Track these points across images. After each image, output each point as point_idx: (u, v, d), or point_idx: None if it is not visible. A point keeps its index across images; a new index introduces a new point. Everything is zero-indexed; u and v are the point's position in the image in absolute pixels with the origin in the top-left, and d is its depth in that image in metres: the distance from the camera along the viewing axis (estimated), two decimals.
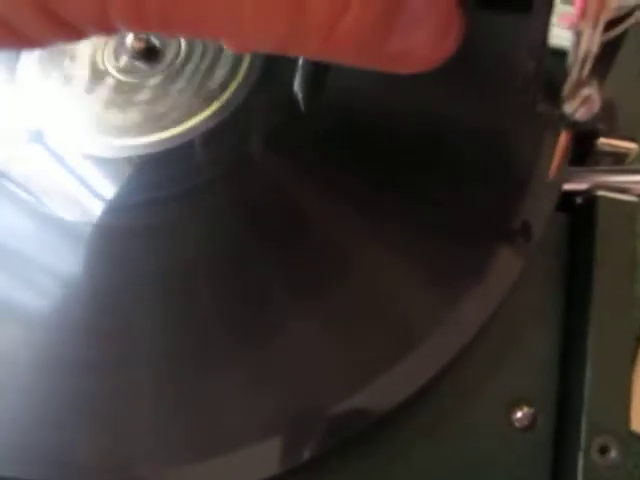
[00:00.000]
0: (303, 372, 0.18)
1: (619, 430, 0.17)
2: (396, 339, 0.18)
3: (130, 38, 0.23)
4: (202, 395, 0.17)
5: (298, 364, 0.18)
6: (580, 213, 0.21)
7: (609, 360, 0.18)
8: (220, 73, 0.23)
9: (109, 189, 0.22)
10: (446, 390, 0.19)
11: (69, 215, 0.21)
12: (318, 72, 0.19)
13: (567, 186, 0.21)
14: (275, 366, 0.18)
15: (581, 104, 0.13)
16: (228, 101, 0.22)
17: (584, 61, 0.12)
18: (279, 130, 0.21)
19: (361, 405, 0.18)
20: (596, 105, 0.13)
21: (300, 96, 0.19)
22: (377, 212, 0.20)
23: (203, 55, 0.23)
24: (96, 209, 0.21)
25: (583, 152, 0.22)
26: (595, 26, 0.11)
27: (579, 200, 0.22)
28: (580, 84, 0.12)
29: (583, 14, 0.11)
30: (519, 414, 0.19)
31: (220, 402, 0.18)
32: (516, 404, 0.19)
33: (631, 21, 0.12)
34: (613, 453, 0.17)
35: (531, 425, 0.19)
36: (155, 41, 0.23)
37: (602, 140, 0.21)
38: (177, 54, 0.23)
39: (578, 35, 0.12)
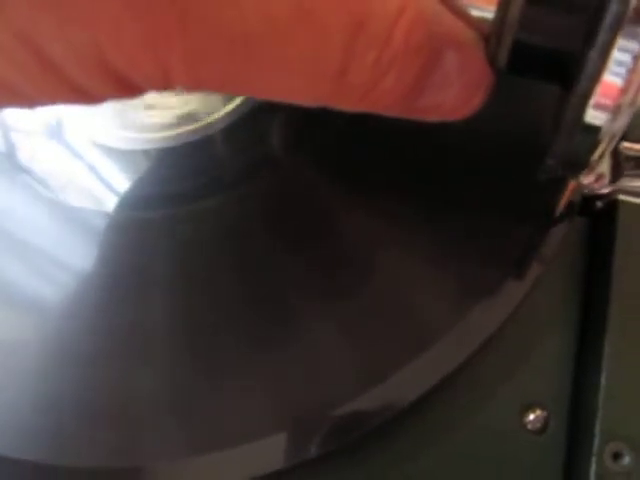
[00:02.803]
0: (316, 371, 0.18)
1: (633, 436, 0.17)
2: (411, 340, 0.18)
3: None
4: (217, 390, 0.17)
5: (312, 363, 0.18)
6: (600, 217, 0.21)
7: (625, 365, 0.18)
8: None
9: (126, 181, 0.22)
10: (459, 391, 0.19)
11: (86, 206, 0.21)
12: None
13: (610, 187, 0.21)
14: (290, 365, 0.18)
15: (595, 180, 0.13)
16: (248, 98, 0.22)
17: (611, 139, 0.12)
18: (299, 128, 0.21)
19: (373, 404, 0.17)
20: (606, 180, 0.14)
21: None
22: (396, 217, 0.20)
23: None
24: (113, 201, 0.21)
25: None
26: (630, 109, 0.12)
27: (599, 204, 0.21)
28: (599, 160, 0.13)
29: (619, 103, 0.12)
30: (532, 417, 0.19)
31: (231, 399, 0.18)
32: (529, 407, 0.19)
33: None
34: (626, 459, 0.17)
35: (543, 428, 0.19)
36: None
37: (624, 144, 0.21)
38: None
39: (613, 114, 0.12)
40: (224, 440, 0.16)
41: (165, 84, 0.11)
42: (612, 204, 0.20)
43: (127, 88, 0.11)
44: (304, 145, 0.21)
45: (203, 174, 0.21)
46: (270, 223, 0.20)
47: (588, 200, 0.21)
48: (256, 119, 0.22)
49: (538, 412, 0.19)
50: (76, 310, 0.19)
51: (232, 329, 0.18)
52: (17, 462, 0.17)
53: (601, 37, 0.12)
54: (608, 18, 0.12)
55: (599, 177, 0.14)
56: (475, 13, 0.15)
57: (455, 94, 0.13)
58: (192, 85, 0.11)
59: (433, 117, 0.13)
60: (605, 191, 0.21)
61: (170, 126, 0.22)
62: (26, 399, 0.18)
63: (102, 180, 0.22)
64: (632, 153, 0.21)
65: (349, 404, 0.17)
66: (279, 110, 0.22)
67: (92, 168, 0.22)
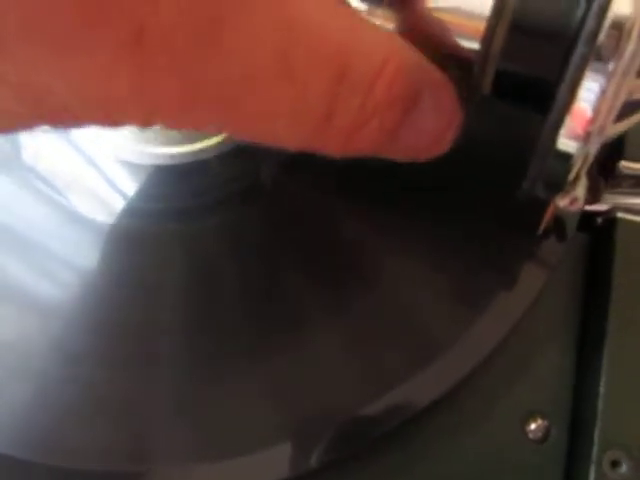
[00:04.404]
0: (321, 381, 0.19)
1: (630, 445, 0.18)
2: (415, 352, 0.19)
3: None
4: (221, 396, 0.19)
5: (316, 374, 0.19)
6: (600, 234, 0.22)
7: (622, 377, 0.19)
8: None
9: (136, 193, 0.23)
10: (463, 401, 0.20)
11: (93, 213, 0.23)
12: None
13: (588, 207, 0.21)
14: (295, 374, 0.19)
15: (570, 202, 0.14)
16: None
17: (583, 164, 0.13)
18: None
19: (377, 414, 0.18)
20: (580, 204, 0.14)
21: None
22: (401, 230, 0.21)
23: None
24: (122, 211, 0.23)
25: (605, 174, 0.22)
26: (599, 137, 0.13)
27: (599, 220, 0.22)
28: (574, 183, 0.14)
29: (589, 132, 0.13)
30: (533, 426, 0.19)
31: (235, 406, 0.19)
32: (531, 416, 0.19)
33: (633, 120, 0.13)
34: (624, 468, 0.18)
35: (545, 437, 0.19)
36: None
37: (623, 163, 0.22)
38: None
39: (584, 142, 0.13)
40: (228, 449, 0.18)
41: (147, 124, 0.12)
42: (611, 221, 0.21)
43: (110, 123, 0.12)
44: (305, 160, 0.22)
45: (207, 192, 0.23)
46: (279, 240, 0.21)
47: (588, 216, 0.22)
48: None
49: (539, 421, 0.19)
50: (79, 313, 0.20)
51: (236, 340, 0.19)
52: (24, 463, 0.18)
53: (569, 74, 0.13)
54: (575, 58, 0.13)
55: (573, 200, 0.15)
56: (461, 42, 0.16)
57: (430, 134, 0.13)
58: (174, 127, 0.12)
59: (407, 157, 0.14)
60: (604, 208, 0.22)
61: (181, 142, 0.24)
62: (33, 401, 0.19)
63: (108, 187, 0.23)
64: (630, 171, 0.22)
65: (352, 415, 0.18)
66: None
67: (100, 172, 0.24)
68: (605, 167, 0.22)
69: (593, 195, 0.19)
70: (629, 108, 0.15)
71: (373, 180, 0.21)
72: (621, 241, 0.20)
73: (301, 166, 0.22)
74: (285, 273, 0.20)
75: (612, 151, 0.22)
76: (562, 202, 0.16)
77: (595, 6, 0.13)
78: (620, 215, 0.21)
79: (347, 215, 0.22)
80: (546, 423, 0.19)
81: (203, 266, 0.21)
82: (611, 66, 0.13)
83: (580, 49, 0.13)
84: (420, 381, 0.19)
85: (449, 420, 0.19)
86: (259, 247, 0.21)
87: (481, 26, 0.15)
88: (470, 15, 0.16)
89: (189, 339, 0.20)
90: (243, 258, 0.21)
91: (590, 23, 0.13)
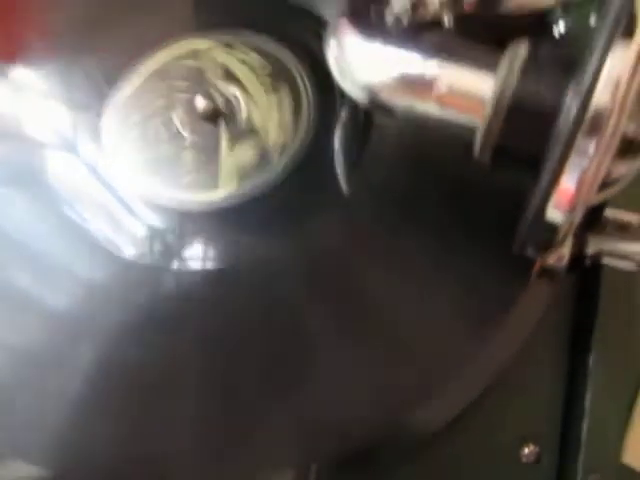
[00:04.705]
0: (335, 407, 0.21)
1: (609, 470, 0.20)
2: (423, 381, 0.21)
3: (200, 101, 0.27)
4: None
5: (330, 400, 0.21)
6: (587, 274, 0.24)
7: (604, 412, 0.21)
8: (274, 136, 0.27)
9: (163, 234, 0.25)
10: (462, 428, 0.22)
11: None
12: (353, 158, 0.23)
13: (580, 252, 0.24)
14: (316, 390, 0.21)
15: (557, 260, 0.17)
16: (285, 166, 0.25)
17: (569, 229, 0.15)
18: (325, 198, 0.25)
19: (386, 437, 0.21)
20: (566, 260, 0.17)
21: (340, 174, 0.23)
22: (414, 264, 0.24)
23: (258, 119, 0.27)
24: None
25: (592, 219, 0.24)
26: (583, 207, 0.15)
27: (588, 262, 0.24)
28: (560, 244, 0.16)
29: (573, 201, 0.15)
30: (526, 451, 0.22)
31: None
32: (524, 442, 0.22)
33: (612, 190, 0.15)
34: None
35: (537, 460, 0.22)
36: (220, 104, 0.27)
37: (609, 211, 0.24)
38: (236, 119, 0.27)
39: (569, 213, 0.15)
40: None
41: None
42: (597, 265, 0.23)
43: None
44: (328, 215, 0.25)
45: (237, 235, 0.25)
46: (299, 280, 0.24)
47: (579, 259, 0.24)
48: (288, 187, 0.25)
49: (532, 447, 0.22)
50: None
51: (258, 370, 0.22)
52: None
53: (549, 165, 0.15)
54: (561, 140, 0.15)
55: (560, 258, 0.18)
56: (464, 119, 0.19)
57: None
58: None
59: None
60: (591, 251, 0.24)
61: (206, 190, 0.26)
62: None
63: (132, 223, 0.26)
64: (616, 219, 0.24)
65: (363, 439, 0.20)
66: (307, 186, 0.25)
67: (127, 207, 0.26)
68: (591, 213, 0.24)
69: (578, 249, 0.22)
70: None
71: (392, 234, 0.24)
72: (605, 285, 0.23)
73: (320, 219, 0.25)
74: (308, 313, 0.23)
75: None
76: (550, 259, 0.18)
77: (579, 99, 0.15)
78: (606, 261, 0.23)
79: (361, 259, 0.24)
80: (537, 449, 0.22)
81: (232, 304, 0.23)
82: (592, 148, 0.15)
83: (565, 134, 0.15)
84: (424, 413, 0.21)
85: (449, 445, 0.21)
86: (287, 291, 0.23)
87: (480, 105, 0.18)
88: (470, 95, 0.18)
89: (210, 371, 0.22)
90: (273, 299, 0.23)
91: (575, 112, 0.15)
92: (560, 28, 0.27)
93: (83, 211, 0.27)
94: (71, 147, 0.28)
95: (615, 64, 0.14)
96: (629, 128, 0.15)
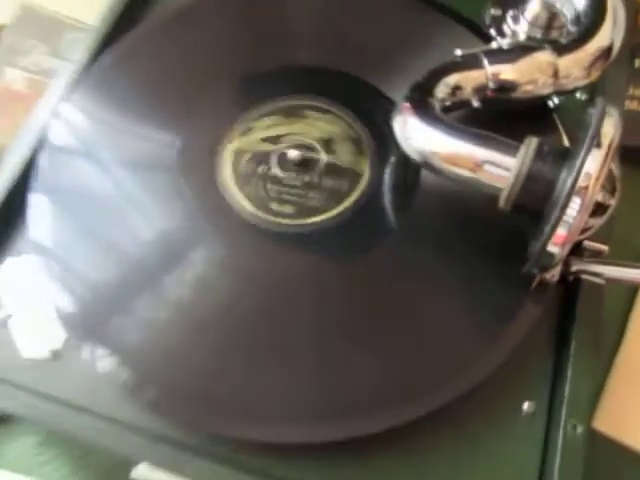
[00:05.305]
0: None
1: (584, 416, 0.30)
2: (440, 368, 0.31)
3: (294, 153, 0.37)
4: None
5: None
6: (571, 286, 0.34)
7: (582, 380, 0.31)
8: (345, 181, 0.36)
9: None
10: (480, 392, 0.31)
11: None
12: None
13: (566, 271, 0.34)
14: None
15: (551, 277, 0.26)
16: (355, 202, 0.35)
17: (561, 257, 0.25)
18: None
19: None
20: (557, 277, 0.26)
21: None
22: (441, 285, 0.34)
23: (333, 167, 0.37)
24: None
25: (575, 248, 0.34)
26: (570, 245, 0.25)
27: (571, 278, 0.34)
28: (554, 266, 0.26)
29: (565, 241, 0.25)
30: (526, 406, 0.31)
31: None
32: (524, 399, 0.31)
33: (588, 234, 0.25)
34: (579, 429, 0.30)
35: (533, 413, 0.31)
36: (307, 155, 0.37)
37: (586, 242, 0.34)
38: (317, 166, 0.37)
39: (562, 247, 0.25)
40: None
41: None
42: (578, 279, 0.33)
43: None
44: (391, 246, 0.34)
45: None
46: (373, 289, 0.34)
47: (564, 276, 0.34)
48: (357, 221, 0.35)
49: (529, 403, 0.31)
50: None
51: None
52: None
53: (551, 219, 0.25)
54: (559, 205, 0.25)
55: (553, 275, 0.27)
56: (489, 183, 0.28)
57: None
58: None
59: None
60: (574, 270, 0.34)
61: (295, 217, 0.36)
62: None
63: None
64: (591, 248, 0.34)
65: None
66: (372, 220, 0.35)
67: None
68: (575, 245, 0.34)
69: (565, 269, 0.32)
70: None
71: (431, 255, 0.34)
72: (584, 297, 0.33)
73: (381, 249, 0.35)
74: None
75: None
76: (547, 276, 0.28)
77: (570, 180, 0.25)
78: (584, 277, 0.33)
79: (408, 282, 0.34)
80: (534, 404, 0.31)
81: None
82: (576, 210, 0.25)
83: (561, 200, 0.25)
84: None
85: (464, 404, 0.31)
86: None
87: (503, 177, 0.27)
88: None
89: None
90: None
91: (568, 188, 0.25)
92: (554, 102, 0.38)
93: None
94: None
95: (591, 162, 0.24)
96: (598, 197, 0.25)
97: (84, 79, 0.41)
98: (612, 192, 0.26)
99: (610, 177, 0.26)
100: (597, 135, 0.25)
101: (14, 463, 0.42)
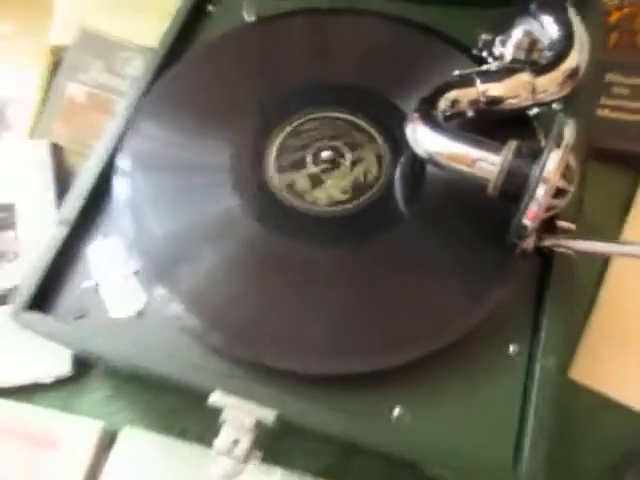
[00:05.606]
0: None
1: (557, 353, 0.39)
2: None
3: (325, 153, 0.46)
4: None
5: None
6: (546, 258, 0.43)
7: (556, 329, 0.40)
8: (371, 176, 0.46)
9: None
10: (473, 335, 0.40)
11: None
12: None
13: (539, 244, 0.43)
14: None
15: (527, 244, 0.36)
16: (375, 192, 0.45)
17: (532, 229, 0.34)
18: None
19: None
20: (532, 245, 0.35)
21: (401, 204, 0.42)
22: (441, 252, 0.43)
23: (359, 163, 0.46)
24: None
25: (548, 226, 0.43)
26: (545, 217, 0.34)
27: (546, 250, 0.43)
28: (528, 237, 0.35)
29: (535, 216, 0.34)
30: (512, 348, 0.41)
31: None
32: (509, 342, 0.41)
33: (552, 213, 0.34)
34: (552, 361, 0.39)
35: (518, 354, 0.40)
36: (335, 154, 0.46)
37: (558, 222, 0.43)
38: (343, 164, 0.46)
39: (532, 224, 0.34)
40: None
41: None
42: (552, 252, 0.42)
43: None
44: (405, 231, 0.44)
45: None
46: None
47: (540, 248, 0.43)
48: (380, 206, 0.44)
49: (515, 346, 0.40)
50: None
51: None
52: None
53: (525, 200, 0.34)
54: (530, 191, 0.34)
55: (528, 244, 0.36)
56: (481, 175, 0.38)
57: None
58: None
59: None
60: (548, 244, 0.43)
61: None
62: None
63: None
64: (562, 226, 0.43)
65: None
66: (388, 209, 0.44)
67: None
68: (548, 223, 0.43)
69: (539, 239, 0.40)
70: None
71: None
72: (557, 265, 0.42)
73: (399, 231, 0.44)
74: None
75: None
76: (525, 245, 0.37)
77: (538, 172, 0.34)
78: (556, 250, 0.42)
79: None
80: (518, 346, 0.40)
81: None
82: (542, 194, 0.34)
83: (532, 187, 0.35)
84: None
85: (456, 347, 0.40)
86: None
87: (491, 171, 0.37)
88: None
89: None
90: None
91: (536, 178, 0.34)
92: (534, 111, 0.47)
93: None
94: None
95: (552, 159, 0.34)
96: (559, 184, 0.34)
97: (151, 94, 0.50)
98: (571, 180, 0.35)
99: (569, 169, 0.35)
100: (557, 139, 0.34)
101: (88, 413, 0.52)
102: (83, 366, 0.54)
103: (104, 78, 0.65)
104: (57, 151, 0.61)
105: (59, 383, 0.53)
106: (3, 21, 0.72)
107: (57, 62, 0.67)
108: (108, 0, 0.69)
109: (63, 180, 0.60)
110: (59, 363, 0.53)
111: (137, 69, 0.64)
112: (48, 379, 0.53)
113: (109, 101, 0.64)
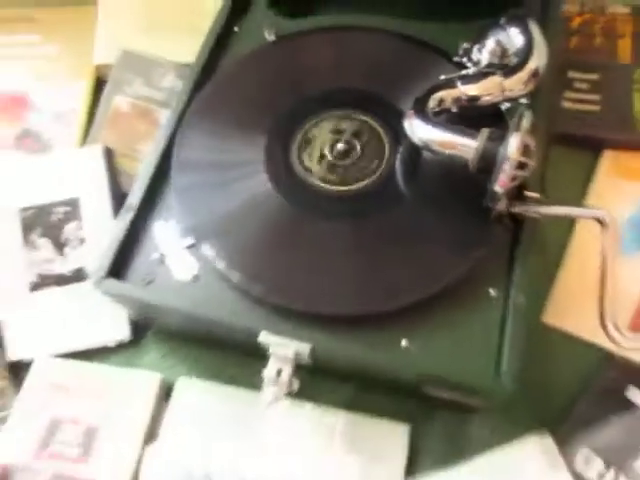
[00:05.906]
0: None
1: (525, 292, 0.50)
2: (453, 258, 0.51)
3: (340, 145, 0.57)
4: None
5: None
6: (518, 223, 0.54)
7: (528, 271, 0.51)
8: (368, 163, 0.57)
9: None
10: (462, 285, 0.51)
11: None
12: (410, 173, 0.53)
13: (512, 210, 0.54)
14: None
15: (500, 207, 0.47)
16: (380, 175, 0.56)
17: (503, 195, 0.46)
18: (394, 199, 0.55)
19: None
20: (504, 208, 0.47)
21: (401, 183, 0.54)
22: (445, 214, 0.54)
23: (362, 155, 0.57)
24: None
25: (518, 195, 0.54)
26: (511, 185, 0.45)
27: (519, 216, 0.54)
28: (500, 200, 0.46)
29: (504, 184, 0.45)
30: (492, 292, 0.52)
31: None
32: (490, 287, 0.52)
33: (516, 183, 0.46)
34: (521, 299, 0.50)
35: (497, 296, 0.51)
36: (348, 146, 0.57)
37: (525, 191, 0.54)
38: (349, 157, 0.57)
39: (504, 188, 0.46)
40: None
41: None
42: (522, 217, 0.53)
43: None
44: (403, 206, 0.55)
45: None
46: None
47: (513, 215, 0.54)
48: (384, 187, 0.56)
49: (495, 290, 0.51)
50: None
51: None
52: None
53: (495, 173, 0.46)
54: (499, 167, 0.46)
55: (501, 206, 0.48)
56: (465, 156, 0.49)
57: None
58: None
59: None
60: (519, 211, 0.54)
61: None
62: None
63: None
64: (529, 195, 0.54)
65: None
66: (388, 189, 0.55)
67: None
68: (518, 192, 0.54)
69: (511, 205, 0.51)
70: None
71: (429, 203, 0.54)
72: (527, 227, 0.53)
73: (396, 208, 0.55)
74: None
75: (521, 185, 0.54)
76: (498, 207, 0.48)
77: (503, 151, 0.46)
78: (527, 215, 0.53)
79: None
80: (496, 290, 0.51)
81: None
82: (508, 167, 0.46)
83: (500, 163, 0.46)
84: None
85: (447, 296, 0.51)
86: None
87: (471, 152, 0.48)
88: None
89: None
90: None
91: (503, 156, 0.46)
92: (504, 106, 0.58)
93: None
94: None
95: (513, 140, 0.45)
96: (520, 159, 0.46)
97: (194, 105, 0.62)
98: (529, 155, 0.46)
99: (527, 147, 0.46)
100: (517, 125, 0.45)
101: (148, 368, 0.63)
102: (139, 332, 0.65)
103: (144, 91, 0.76)
104: (109, 153, 0.72)
105: (121, 347, 0.65)
106: (48, 42, 0.83)
107: (100, 78, 0.79)
108: (143, 22, 0.81)
109: (114, 177, 0.71)
110: (120, 330, 0.65)
111: (171, 81, 0.76)
112: (112, 343, 0.65)
113: (149, 110, 0.75)
